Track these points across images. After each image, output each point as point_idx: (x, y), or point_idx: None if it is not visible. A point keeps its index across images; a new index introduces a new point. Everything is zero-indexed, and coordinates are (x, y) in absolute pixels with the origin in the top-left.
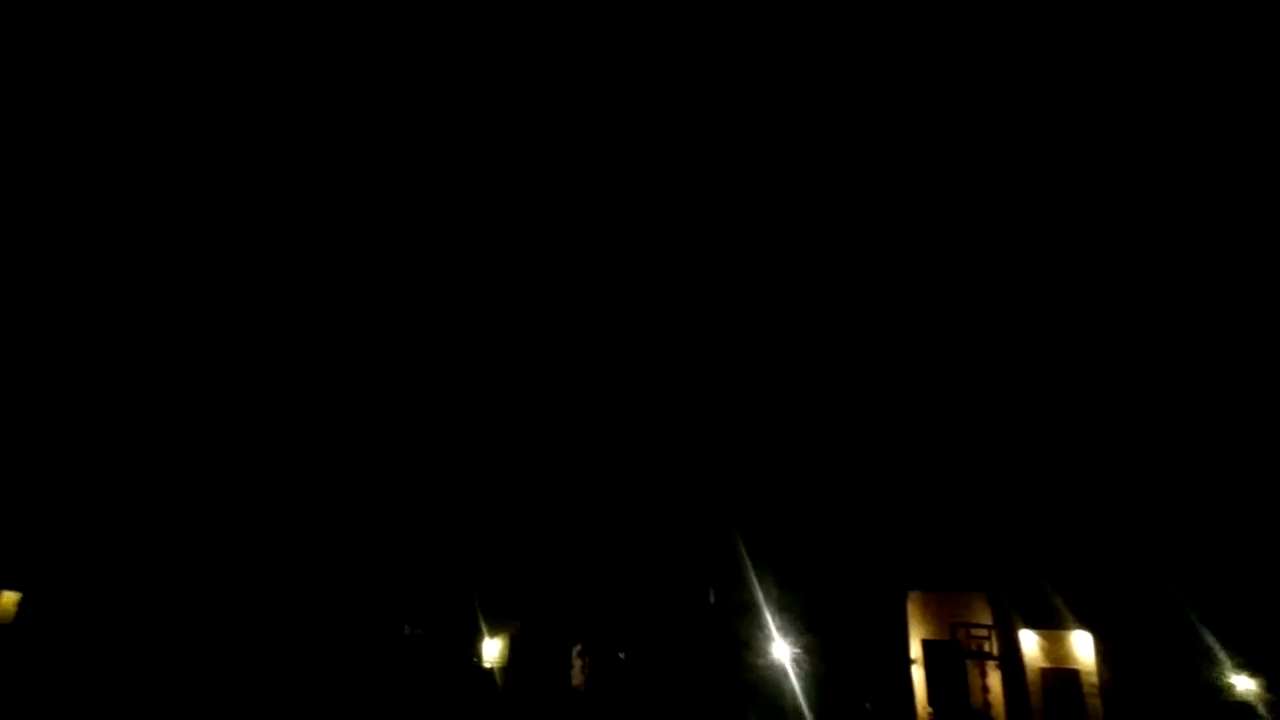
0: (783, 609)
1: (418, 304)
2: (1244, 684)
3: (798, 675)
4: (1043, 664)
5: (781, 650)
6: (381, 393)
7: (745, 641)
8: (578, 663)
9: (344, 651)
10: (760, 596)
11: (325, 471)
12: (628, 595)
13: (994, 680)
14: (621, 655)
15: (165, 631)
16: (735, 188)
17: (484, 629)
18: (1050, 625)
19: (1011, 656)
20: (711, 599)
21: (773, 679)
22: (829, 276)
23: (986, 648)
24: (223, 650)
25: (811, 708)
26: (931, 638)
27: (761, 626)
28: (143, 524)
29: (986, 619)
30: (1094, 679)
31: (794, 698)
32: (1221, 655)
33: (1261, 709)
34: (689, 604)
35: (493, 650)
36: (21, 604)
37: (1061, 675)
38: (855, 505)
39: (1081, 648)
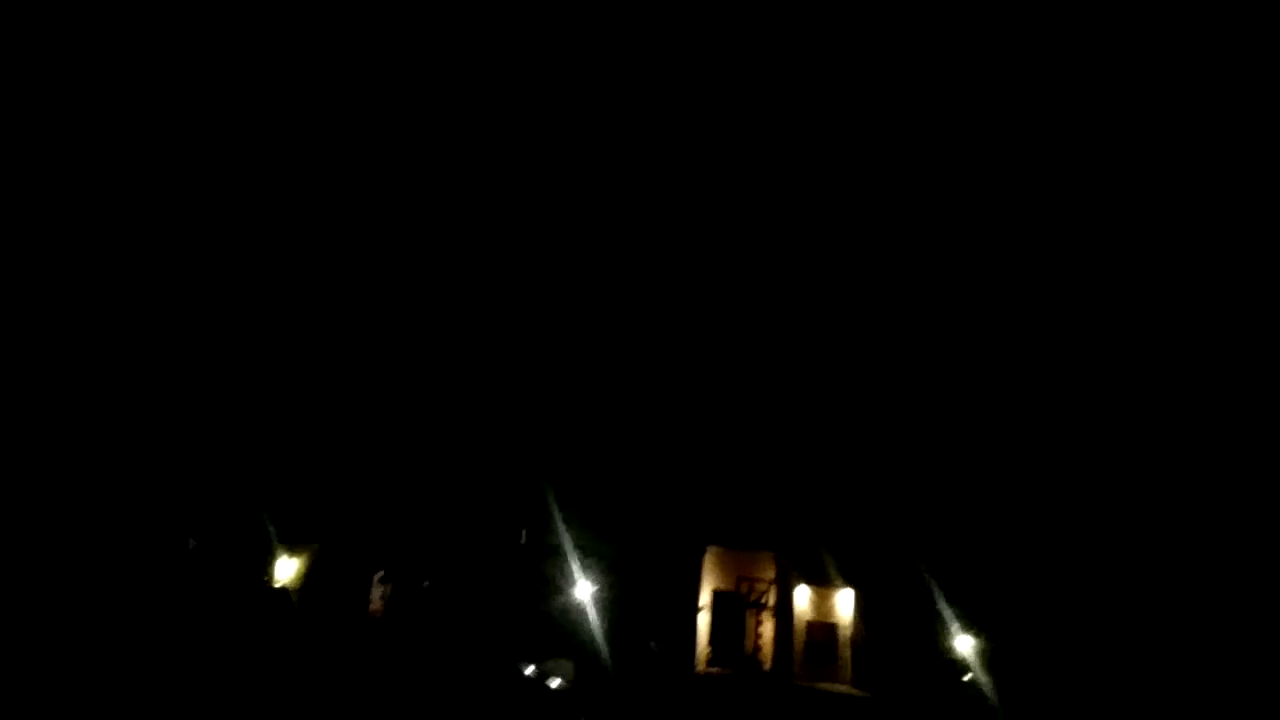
0: (588, 554)
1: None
2: (964, 643)
3: (596, 614)
4: (810, 617)
5: (583, 591)
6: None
7: (550, 580)
8: (378, 589)
9: (123, 561)
10: (567, 541)
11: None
12: (437, 526)
13: (767, 628)
14: (426, 584)
15: None
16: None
17: (277, 549)
18: (821, 583)
19: (785, 608)
20: (523, 539)
21: (572, 617)
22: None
23: (766, 599)
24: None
25: (605, 643)
26: (721, 588)
27: (566, 568)
28: None
29: (769, 574)
30: (849, 632)
31: (590, 634)
32: (951, 619)
33: (978, 661)
34: (499, 541)
35: (288, 571)
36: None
37: (824, 627)
38: (666, 465)
39: (843, 605)
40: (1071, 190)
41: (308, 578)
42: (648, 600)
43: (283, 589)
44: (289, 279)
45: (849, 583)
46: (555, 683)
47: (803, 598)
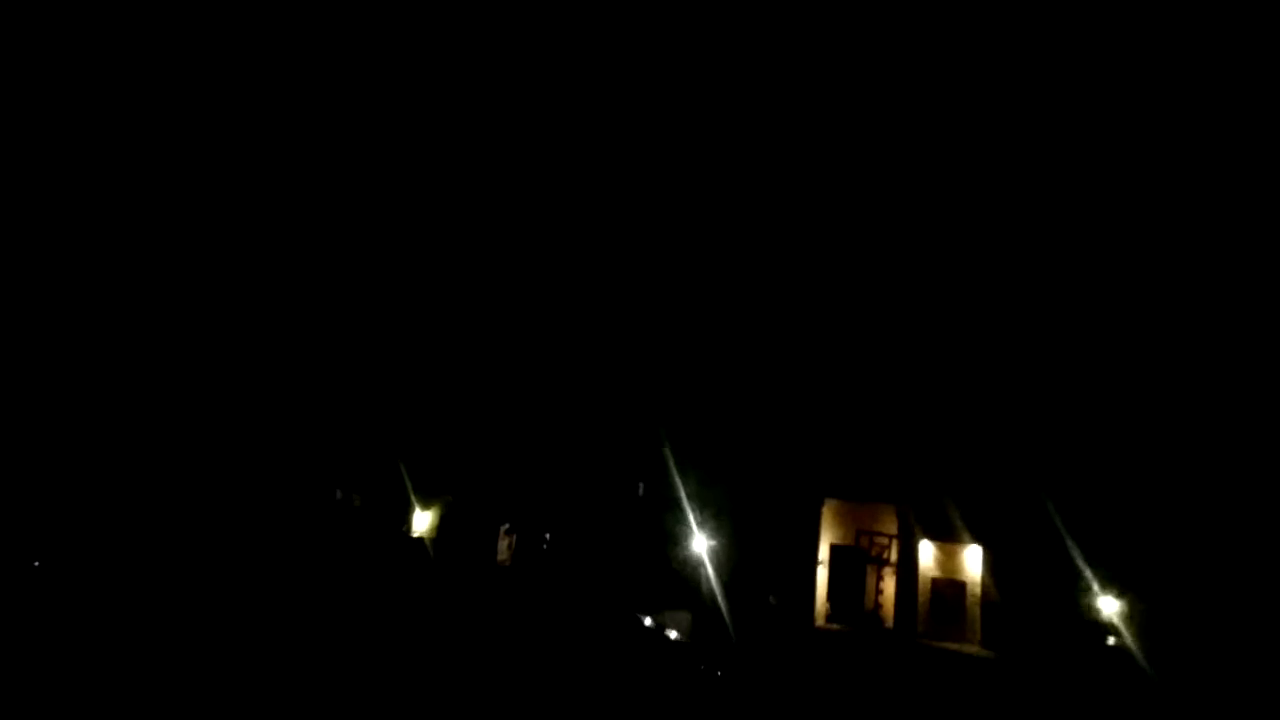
0: (705, 507)
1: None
2: (1109, 605)
3: (713, 567)
4: (935, 574)
5: (700, 544)
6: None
7: (668, 533)
8: (505, 540)
9: (280, 511)
10: (685, 493)
11: (268, 335)
12: (559, 481)
13: (889, 585)
14: (547, 536)
15: None
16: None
17: (414, 501)
18: (947, 539)
19: (908, 564)
20: (640, 492)
21: (689, 570)
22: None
23: (887, 555)
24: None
25: (723, 597)
26: (839, 543)
27: (684, 521)
28: None
29: (891, 529)
30: (978, 590)
31: (709, 586)
32: (1091, 579)
33: (1123, 626)
34: (618, 494)
35: (423, 522)
36: None
37: (950, 585)
38: (783, 416)
39: (971, 562)
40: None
41: (441, 529)
42: (765, 554)
43: (419, 539)
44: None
45: (978, 539)
46: (673, 635)
47: (927, 554)
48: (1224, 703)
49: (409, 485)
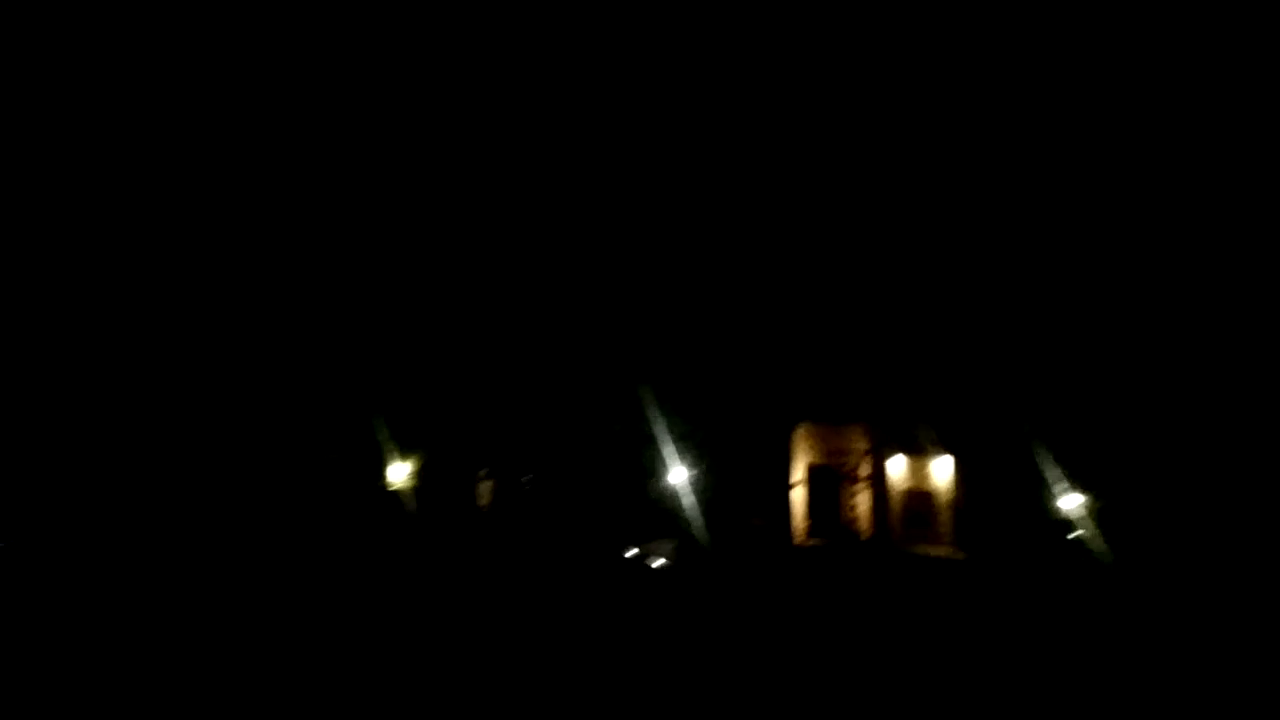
0: (682, 438)
1: None
2: (1072, 501)
3: (693, 496)
4: (906, 485)
5: (679, 475)
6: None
7: (647, 467)
8: (484, 485)
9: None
10: (662, 427)
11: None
12: (535, 425)
13: (863, 499)
14: (526, 479)
15: None
16: None
17: (390, 454)
18: (915, 452)
19: (880, 479)
20: (617, 430)
21: (671, 501)
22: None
23: (859, 472)
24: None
25: (704, 523)
26: (815, 463)
27: (662, 454)
28: None
29: (862, 446)
30: (946, 498)
31: (690, 515)
32: (1053, 480)
33: (1087, 519)
34: (595, 434)
35: (401, 474)
36: None
37: (920, 494)
38: (755, 347)
39: (939, 472)
40: None
41: (420, 479)
42: (742, 479)
43: (395, 491)
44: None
45: (947, 449)
46: (658, 562)
47: (898, 467)
48: (1178, 586)
49: (385, 438)
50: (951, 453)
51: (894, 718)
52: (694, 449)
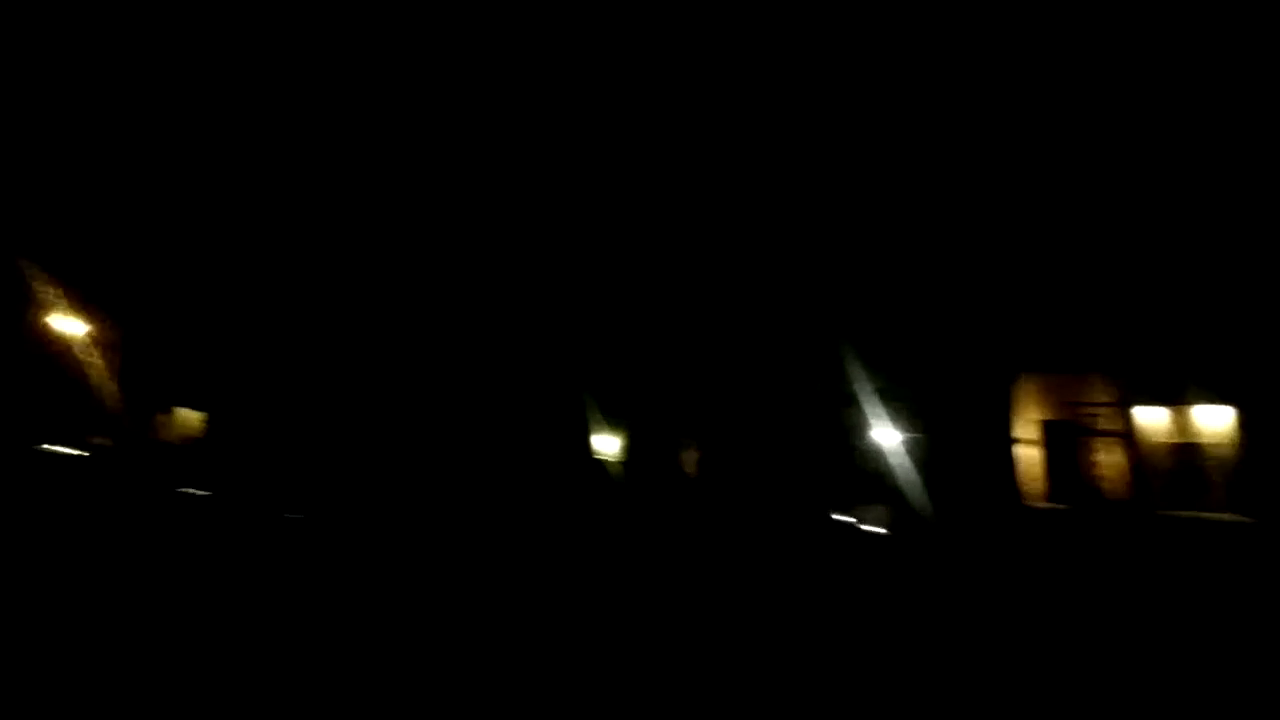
0: (890, 397)
1: None
2: None
3: (904, 457)
4: (1164, 439)
5: (888, 435)
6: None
7: (852, 429)
8: (689, 454)
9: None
10: (867, 386)
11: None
12: (735, 391)
13: (1112, 456)
14: (729, 446)
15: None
16: None
17: (598, 426)
18: (1174, 401)
19: (1131, 433)
20: (818, 390)
21: (879, 463)
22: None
23: (1105, 426)
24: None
25: (918, 486)
26: (1048, 418)
27: (867, 414)
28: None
29: (1106, 397)
30: (1220, 453)
31: (902, 478)
32: None
33: None
34: (796, 397)
35: (610, 445)
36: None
37: (1183, 450)
38: (965, 291)
39: (1207, 423)
40: None
41: (628, 449)
42: (959, 438)
43: (602, 460)
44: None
45: (1222, 398)
46: (870, 528)
47: (1153, 418)
48: None
49: (592, 410)
50: (1231, 401)
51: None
52: (904, 407)
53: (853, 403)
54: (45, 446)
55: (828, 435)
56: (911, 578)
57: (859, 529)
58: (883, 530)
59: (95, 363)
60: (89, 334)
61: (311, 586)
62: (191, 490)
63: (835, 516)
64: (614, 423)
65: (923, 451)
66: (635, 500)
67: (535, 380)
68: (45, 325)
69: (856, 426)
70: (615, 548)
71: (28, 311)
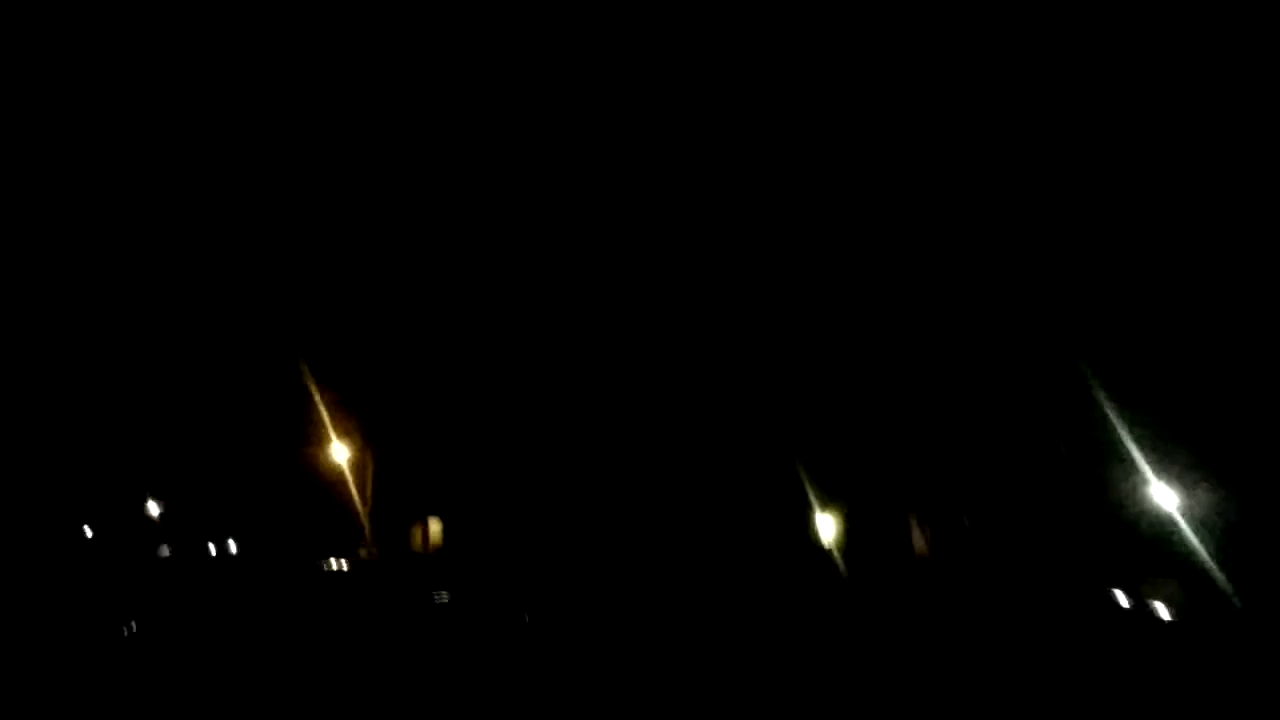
0: (1162, 445)
1: None
2: None
3: (1195, 522)
4: None
5: (1166, 495)
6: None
7: (1112, 488)
8: (918, 531)
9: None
10: (1125, 435)
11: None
12: (965, 455)
13: None
14: (966, 520)
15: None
16: None
17: (816, 504)
18: None
19: None
20: (1062, 448)
21: (1157, 528)
22: None
23: None
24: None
25: (1216, 557)
26: None
27: (1134, 471)
28: None
29: None
30: None
31: (1192, 546)
32: None
33: None
34: (1038, 456)
35: (828, 527)
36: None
37: None
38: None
39: None
40: None
41: (848, 529)
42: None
43: (825, 548)
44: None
45: None
46: (1160, 609)
47: None
48: None
49: (808, 487)
50: None
51: None
52: (1187, 458)
53: (1115, 456)
54: (320, 561)
55: (1085, 498)
56: (1227, 679)
57: (1152, 614)
58: (1174, 614)
59: (358, 482)
60: (351, 457)
61: (551, 682)
62: (439, 595)
63: (1117, 595)
64: (831, 500)
65: (1224, 512)
66: (863, 586)
67: (748, 459)
68: (317, 451)
69: (1120, 486)
70: (842, 642)
71: (303, 439)
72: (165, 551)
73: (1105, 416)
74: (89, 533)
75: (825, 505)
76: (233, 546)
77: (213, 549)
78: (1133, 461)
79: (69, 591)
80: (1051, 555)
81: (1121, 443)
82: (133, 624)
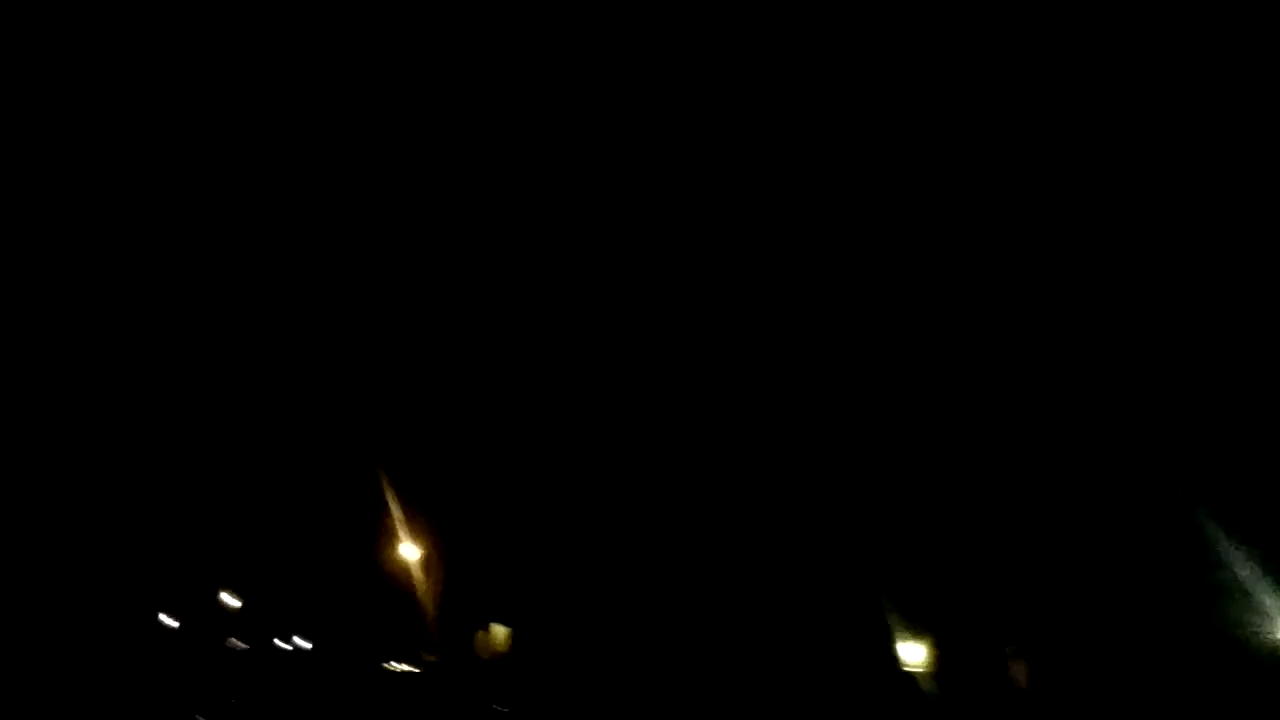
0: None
1: None
2: None
3: None
4: None
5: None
6: None
7: (1234, 624)
8: (1015, 664)
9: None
10: (1234, 557)
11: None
12: (1064, 584)
13: None
14: (1067, 653)
15: None
16: None
17: (898, 631)
18: None
19: None
20: (1174, 583)
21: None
22: None
23: None
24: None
25: None
26: None
27: (1254, 603)
28: None
29: None
30: None
31: None
32: None
33: None
34: (1144, 587)
35: (916, 654)
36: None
37: None
38: None
39: None
40: None
41: (938, 657)
42: None
43: (909, 674)
44: None
45: None
46: None
47: None
48: None
49: (892, 614)
50: None
51: None
52: None
53: (1224, 592)
54: (388, 664)
55: (1206, 634)
56: None
57: None
58: None
59: (426, 584)
60: (421, 558)
61: None
62: (499, 708)
63: None
64: (919, 627)
65: None
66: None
67: (827, 582)
68: (389, 552)
69: (1236, 613)
70: None
71: (377, 540)
72: (236, 644)
73: (1221, 550)
74: (166, 620)
75: (914, 632)
76: (301, 642)
77: (281, 644)
78: (1255, 598)
79: (143, 676)
80: (1164, 695)
81: (1241, 579)
82: (199, 718)
